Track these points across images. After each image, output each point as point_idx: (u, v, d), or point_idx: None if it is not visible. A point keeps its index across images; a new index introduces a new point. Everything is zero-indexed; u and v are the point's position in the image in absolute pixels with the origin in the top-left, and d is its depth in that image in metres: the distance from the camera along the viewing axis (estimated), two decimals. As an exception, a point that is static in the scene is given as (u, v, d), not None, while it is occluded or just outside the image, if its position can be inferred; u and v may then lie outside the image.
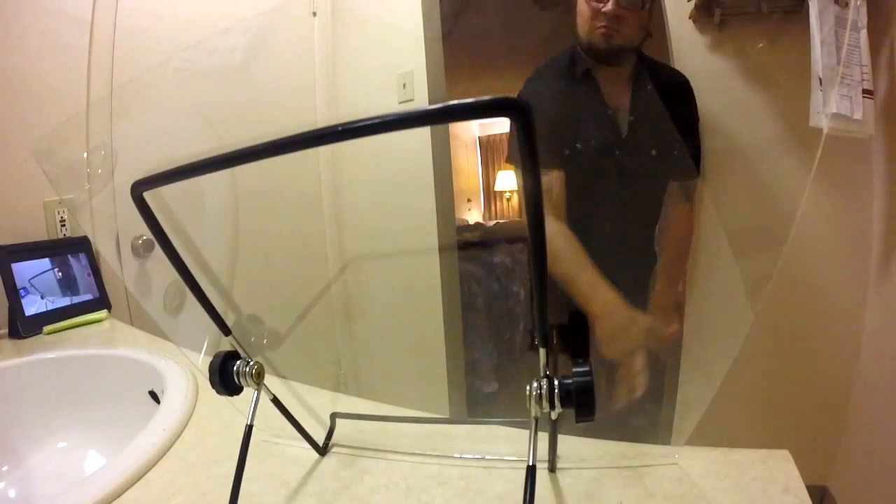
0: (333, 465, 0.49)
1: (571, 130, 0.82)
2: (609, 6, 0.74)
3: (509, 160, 1.16)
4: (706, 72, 0.90)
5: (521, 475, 0.32)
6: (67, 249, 1.17)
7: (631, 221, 0.85)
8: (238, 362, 0.43)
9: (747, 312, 0.65)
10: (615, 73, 0.82)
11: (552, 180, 0.80)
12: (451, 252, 1.35)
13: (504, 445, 0.50)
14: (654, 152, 0.81)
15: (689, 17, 0.91)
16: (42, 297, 1.08)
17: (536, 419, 0.34)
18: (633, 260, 0.86)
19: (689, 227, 0.86)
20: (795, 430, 0.98)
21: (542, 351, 0.33)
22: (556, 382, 0.33)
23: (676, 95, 0.83)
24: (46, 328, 1.02)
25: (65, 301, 1.11)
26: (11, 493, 0.69)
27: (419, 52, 1.23)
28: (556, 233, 0.77)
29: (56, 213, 1.20)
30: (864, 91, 0.75)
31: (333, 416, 0.54)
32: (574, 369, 0.33)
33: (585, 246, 0.77)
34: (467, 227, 2.59)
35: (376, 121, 0.22)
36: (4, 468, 0.71)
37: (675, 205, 0.84)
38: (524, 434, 0.35)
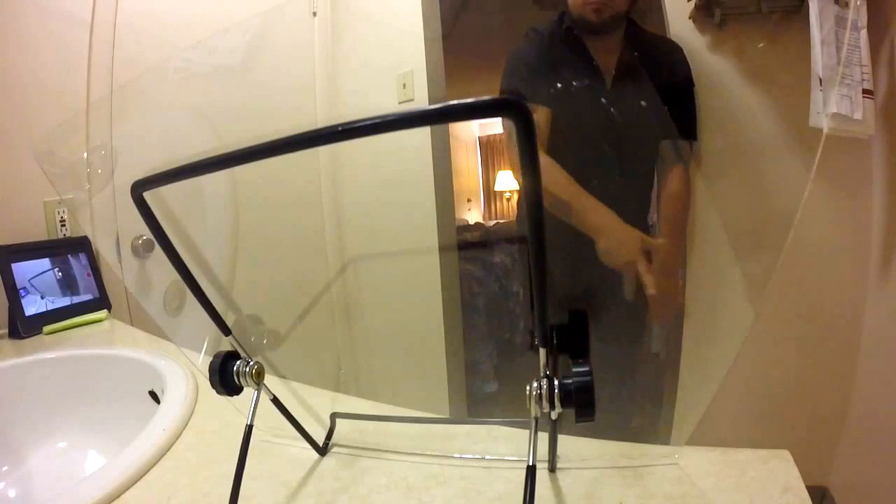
0: (333, 465, 0.49)
1: (555, 76, 0.86)
2: None
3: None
4: (706, 72, 0.90)
5: (521, 475, 0.32)
6: (67, 249, 1.17)
7: (622, 178, 0.87)
8: (238, 362, 0.43)
9: (747, 312, 0.65)
10: (604, 38, 0.85)
11: (538, 117, 0.82)
12: (451, 252, 1.35)
13: (504, 445, 0.50)
14: (643, 103, 0.83)
15: (689, 17, 0.91)
16: (42, 297, 1.08)
17: (536, 419, 0.34)
18: (623, 214, 0.87)
19: (684, 191, 0.86)
20: (795, 430, 0.98)
21: (542, 351, 0.33)
22: (556, 382, 0.33)
23: (667, 59, 0.86)
24: (46, 328, 1.02)
25: (65, 301, 1.11)
26: (11, 493, 0.69)
27: (419, 52, 1.23)
28: (546, 165, 0.81)
29: (56, 213, 1.20)
30: (864, 91, 0.75)
31: (333, 416, 0.54)
32: (574, 369, 0.33)
33: None
34: (467, 227, 2.59)
35: (376, 121, 0.22)
36: (4, 468, 0.71)
37: (668, 166, 0.85)
38: (524, 434, 0.35)
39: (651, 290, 0.76)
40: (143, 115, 0.93)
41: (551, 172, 0.82)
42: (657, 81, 0.80)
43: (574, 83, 0.86)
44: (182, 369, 0.71)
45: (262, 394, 0.44)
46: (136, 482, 0.47)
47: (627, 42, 0.84)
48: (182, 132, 0.96)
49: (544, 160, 0.84)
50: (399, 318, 1.37)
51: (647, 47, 0.85)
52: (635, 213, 0.87)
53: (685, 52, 0.87)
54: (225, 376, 0.42)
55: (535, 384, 0.33)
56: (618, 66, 0.84)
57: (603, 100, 0.85)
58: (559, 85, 0.86)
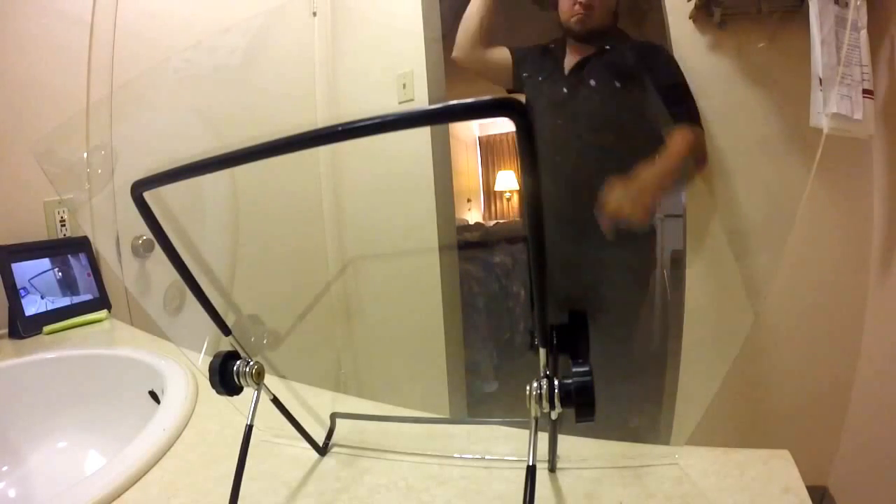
0: (333, 465, 0.49)
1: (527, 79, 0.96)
2: None
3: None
4: (706, 72, 0.90)
5: (521, 475, 0.32)
6: (67, 249, 1.17)
7: (593, 160, 0.92)
8: (238, 362, 0.43)
9: (747, 312, 0.65)
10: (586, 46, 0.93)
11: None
12: (451, 252, 1.35)
13: (504, 445, 0.50)
14: (592, 82, 0.90)
15: (689, 17, 0.91)
16: (42, 297, 1.08)
17: (536, 419, 0.34)
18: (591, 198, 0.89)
19: (693, 139, 0.87)
20: (795, 430, 0.98)
21: (542, 351, 0.33)
22: (556, 382, 0.33)
23: (648, 56, 0.91)
24: (46, 328, 1.02)
25: (65, 301, 1.11)
26: (11, 493, 0.69)
27: (419, 52, 1.23)
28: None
29: (56, 213, 1.20)
30: (864, 91, 0.75)
31: (333, 416, 0.54)
32: (574, 369, 0.33)
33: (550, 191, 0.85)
34: (467, 227, 2.59)
35: (376, 121, 0.22)
36: (4, 468, 0.71)
37: (671, 131, 0.88)
38: (524, 434, 0.35)
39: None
40: (143, 115, 0.93)
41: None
42: (644, 81, 0.86)
43: (538, 77, 0.95)
44: (182, 369, 0.71)
45: (262, 394, 0.44)
46: (136, 482, 0.47)
47: (603, 41, 0.91)
48: (182, 132, 0.96)
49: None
50: (399, 318, 1.37)
51: (626, 50, 0.91)
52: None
53: (676, 49, 0.90)
54: (225, 376, 0.42)
55: (535, 384, 0.33)
56: (581, 60, 0.91)
57: (564, 89, 0.92)
58: (525, 75, 0.95)
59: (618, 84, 0.89)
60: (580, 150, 0.92)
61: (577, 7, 0.88)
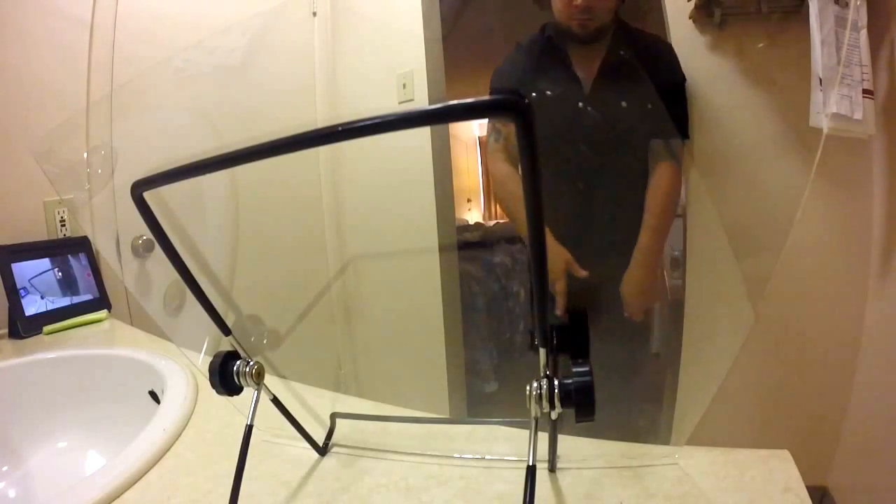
0: (333, 465, 0.49)
1: (535, 87, 0.88)
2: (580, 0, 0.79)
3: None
4: (706, 72, 0.90)
5: (521, 475, 0.32)
6: (67, 249, 1.17)
7: (606, 180, 0.88)
8: (238, 362, 0.43)
9: (747, 312, 0.65)
10: (589, 46, 0.86)
11: (508, 129, 0.87)
12: (451, 252, 1.34)
13: (504, 445, 0.50)
14: (623, 104, 0.84)
15: (689, 17, 0.91)
16: (42, 297, 1.08)
17: (536, 419, 0.34)
18: (611, 220, 0.87)
19: (671, 184, 0.86)
20: (795, 430, 0.98)
21: (542, 351, 0.33)
22: (556, 382, 0.33)
23: (655, 56, 0.86)
24: (46, 328, 1.02)
25: (65, 301, 1.11)
26: (11, 493, 0.69)
27: (419, 52, 1.23)
28: (509, 175, 0.92)
29: (56, 213, 1.20)
30: (864, 91, 0.75)
31: (333, 416, 0.54)
32: (574, 369, 0.33)
33: (559, 205, 0.84)
34: (467, 227, 2.58)
35: (376, 121, 0.22)
36: (4, 468, 0.71)
37: (657, 162, 0.85)
38: (524, 434, 0.35)
39: (559, 311, 0.76)
40: (143, 115, 0.93)
41: (507, 184, 0.91)
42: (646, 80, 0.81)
43: (549, 92, 0.87)
44: (182, 369, 0.71)
45: (262, 394, 0.44)
46: (136, 482, 0.47)
47: (613, 43, 0.84)
48: (182, 132, 0.96)
49: (508, 169, 0.91)
50: (399, 318, 1.37)
51: (634, 46, 0.85)
52: (628, 215, 0.87)
53: (676, 49, 0.87)
54: (225, 376, 0.42)
55: (535, 384, 0.33)
56: (600, 70, 0.84)
57: (580, 104, 0.86)
58: (534, 94, 0.87)
59: (645, 99, 0.82)
60: (607, 171, 0.88)
61: (573, 10, 0.80)
